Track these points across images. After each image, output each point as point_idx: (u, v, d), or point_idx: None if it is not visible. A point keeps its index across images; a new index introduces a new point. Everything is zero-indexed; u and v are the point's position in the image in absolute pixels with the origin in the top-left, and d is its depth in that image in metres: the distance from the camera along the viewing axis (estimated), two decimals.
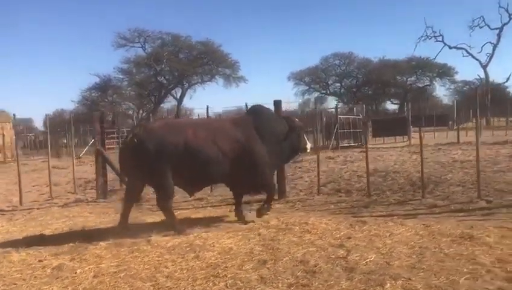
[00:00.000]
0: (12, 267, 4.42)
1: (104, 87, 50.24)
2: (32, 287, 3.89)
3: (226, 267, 4.12)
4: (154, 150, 5.42)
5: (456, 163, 11.01)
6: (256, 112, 6.57)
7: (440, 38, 51.70)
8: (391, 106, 59.32)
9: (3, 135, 18.68)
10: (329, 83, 59.11)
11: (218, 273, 3.95)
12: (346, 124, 22.36)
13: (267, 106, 6.79)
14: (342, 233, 5.11)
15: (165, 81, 51.64)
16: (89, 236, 5.49)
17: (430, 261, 3.99)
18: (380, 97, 57.99)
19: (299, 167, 12.03)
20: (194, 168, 5.64)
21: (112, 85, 50.54)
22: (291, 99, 58.52)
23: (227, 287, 3.65)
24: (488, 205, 6.38)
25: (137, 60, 49.48)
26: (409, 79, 56.88)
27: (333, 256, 4.26)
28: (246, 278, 3.79)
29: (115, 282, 3.88)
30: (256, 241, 4.97)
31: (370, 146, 14.06)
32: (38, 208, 8.41)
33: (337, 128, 20.73)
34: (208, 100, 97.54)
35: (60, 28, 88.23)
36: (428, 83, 57.51)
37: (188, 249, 4.76)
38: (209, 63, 51.16)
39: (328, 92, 59.68)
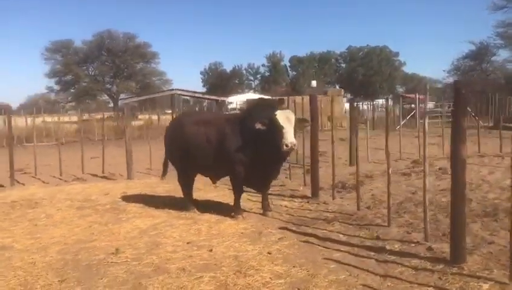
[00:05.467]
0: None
1: (478, 55, 46.80)
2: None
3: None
4: (168, 136, 7.24)
5: None
6: (248, 106, 6.73)
7: None
8: None
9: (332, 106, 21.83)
10: None
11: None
12: None
13: None
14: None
15: None
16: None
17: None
18: None
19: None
20: (196, 157, 6.71)
21: (488, 52, 46.25)
22: None
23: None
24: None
25: None
26: None
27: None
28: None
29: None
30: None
31: None
32: None
33: None
34: None
35: None
36: None
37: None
38: None
39: None
